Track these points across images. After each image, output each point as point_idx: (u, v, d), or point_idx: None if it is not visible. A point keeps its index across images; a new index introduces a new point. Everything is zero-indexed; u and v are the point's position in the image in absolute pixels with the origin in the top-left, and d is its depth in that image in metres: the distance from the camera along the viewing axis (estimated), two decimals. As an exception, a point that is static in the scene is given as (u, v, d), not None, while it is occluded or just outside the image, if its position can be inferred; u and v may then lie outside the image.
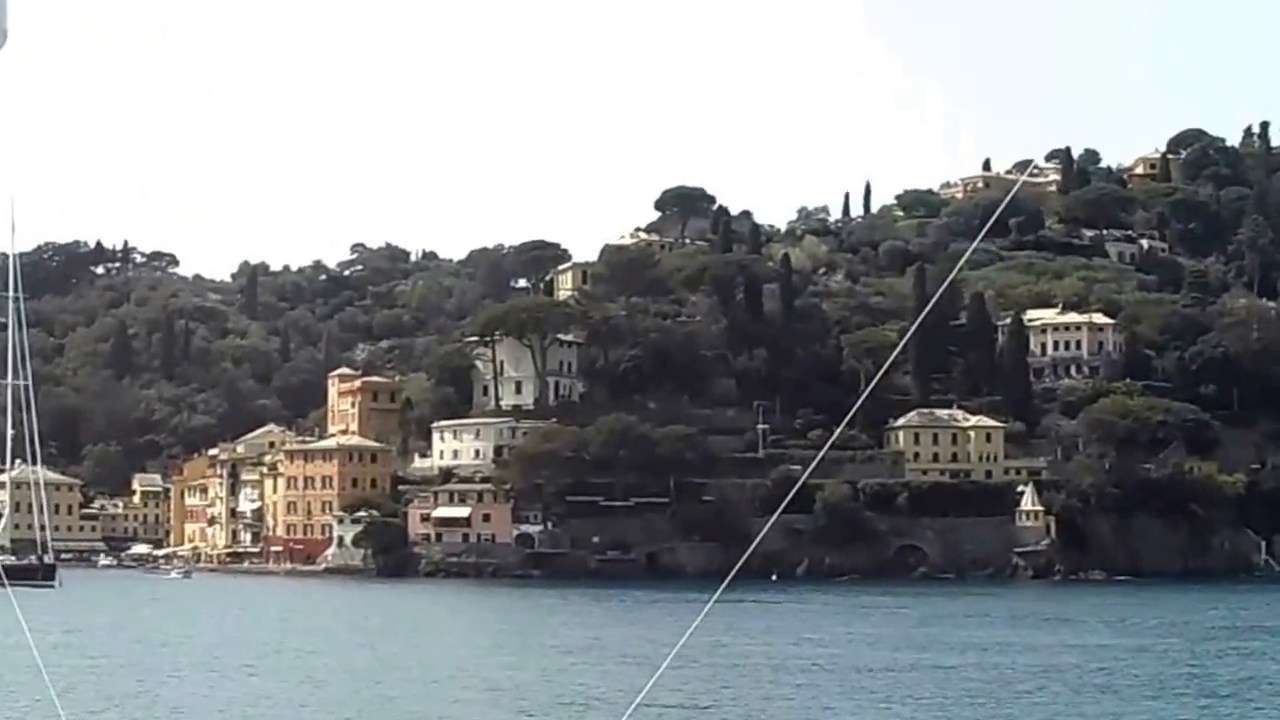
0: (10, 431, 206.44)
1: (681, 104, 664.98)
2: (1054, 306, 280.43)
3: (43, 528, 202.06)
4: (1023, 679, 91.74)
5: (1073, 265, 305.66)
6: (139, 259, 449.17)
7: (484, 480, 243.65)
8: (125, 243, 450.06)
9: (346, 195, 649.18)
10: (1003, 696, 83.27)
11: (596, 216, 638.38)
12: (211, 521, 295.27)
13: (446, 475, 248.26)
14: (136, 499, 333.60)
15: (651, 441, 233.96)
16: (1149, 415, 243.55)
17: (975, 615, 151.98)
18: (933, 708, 78.73)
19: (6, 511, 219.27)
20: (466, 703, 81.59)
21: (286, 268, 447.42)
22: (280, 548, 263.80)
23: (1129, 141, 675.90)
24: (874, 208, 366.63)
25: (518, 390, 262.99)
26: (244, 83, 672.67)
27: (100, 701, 77.76)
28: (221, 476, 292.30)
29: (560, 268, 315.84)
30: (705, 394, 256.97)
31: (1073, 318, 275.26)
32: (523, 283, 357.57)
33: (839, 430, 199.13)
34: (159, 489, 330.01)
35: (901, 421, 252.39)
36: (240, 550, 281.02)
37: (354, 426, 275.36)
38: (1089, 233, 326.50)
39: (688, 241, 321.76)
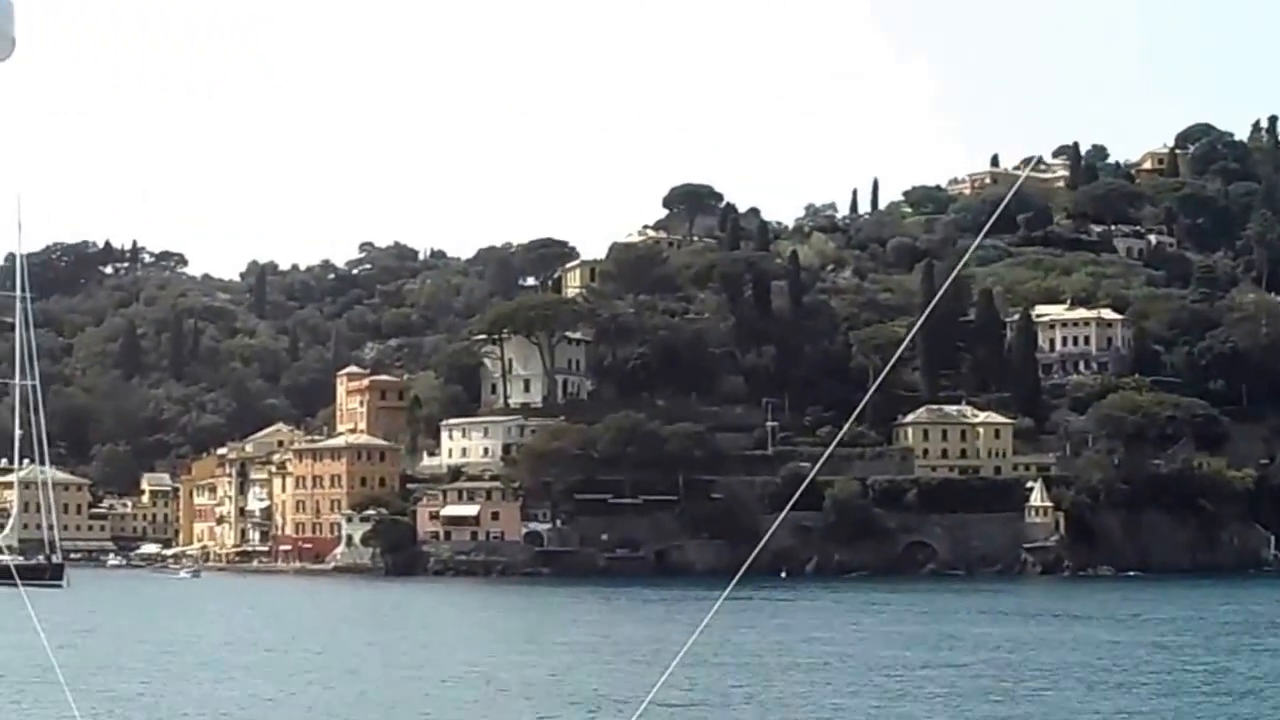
0: (18, 431, 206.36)
1: (689, 102, 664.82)
2: (1062, 302, 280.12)
3: (51, 527, 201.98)
4: (1036, 676, 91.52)
5: (1081, 261, 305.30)
6: (147, 259, 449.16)
7: (492, 478, 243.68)
8: (134, 243, 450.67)
9: (355, 194, 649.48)
10: (1017, 693, 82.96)
11: (604, 214, 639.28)
12: (220, 521, 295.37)
13: (455, 473, 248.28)
14: (145, 498, 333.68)
15: (660, 439, 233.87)
16: (1158, 411, 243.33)
17: (987, 612, 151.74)
18: (946, 705, 78.45)
19: (15, 511, 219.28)
20: (477, 701, 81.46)
21: (295, 267, 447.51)
22: (289, 547, 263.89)
23: (1137, 137, 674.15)
24: (882, 204, 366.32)
25: (526, 388, 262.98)
26: (252, 83, 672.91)
27: (106, 702, 77.61)
28: (230, 476, 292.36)
29: (568, 266, 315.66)
30: (714, 391, 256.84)
31: (1081, 313, 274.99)
32: (531, 281, 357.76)
33: (847, 426, 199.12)
34: (168, 488, 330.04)
35: (910, 418, 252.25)
36: (249, 549, 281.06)
37: (362, 425, 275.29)
38: (1097, 228, 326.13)
39: (696, 239, 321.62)
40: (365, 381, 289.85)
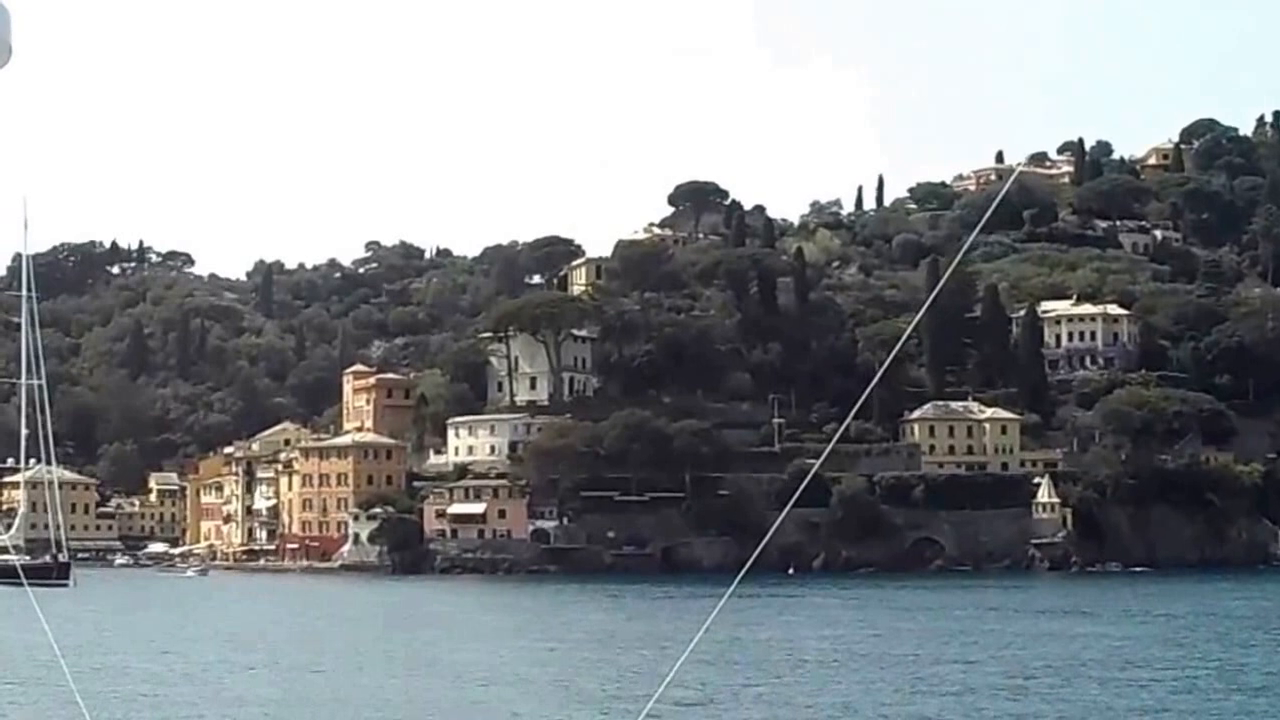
0: (24, 431, 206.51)
1: (694, 99, 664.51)
2: (1068, 298, 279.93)
3: (58, 526, 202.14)
4: (1051, 672, 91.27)
5: (1086, 256, 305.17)
6: (154, 259, 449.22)
7: (499, 476, 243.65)
8: (141, 243, 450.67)
9: (361, 194, 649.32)
10: (1030, 690, 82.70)
11: (610, 212, 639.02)
12: (227, 519, 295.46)
13: (461, 471, 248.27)
14: (153, 497, 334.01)
15: (666, 436, 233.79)
16: (1165, 406, 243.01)
17: (997, 608, 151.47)
18: (960, 701, 78.31)
19: (21, 511, 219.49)
20: (485, 700, 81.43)
21: (301, 266, 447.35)
22: (296, 545, 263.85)
23: (1141, 132, 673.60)
24: (887, 201, 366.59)
25: (532, 386, 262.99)
26: (258, 82, 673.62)
27: (109, 701, 77.64)
28: (237, 474, 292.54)
29: (574, 263, 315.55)
30: (720, 388, 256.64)
31: (1087, 309, 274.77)
32: (537, 279, 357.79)
33: (849, 419, 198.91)
34: (175, 487, 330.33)
35: (917, 414, 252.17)
36: (256, 548, 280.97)
37: (369, 423, 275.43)
38: (1102, 224, 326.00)
39: (701, 236, 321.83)
40: (372, 380, 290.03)
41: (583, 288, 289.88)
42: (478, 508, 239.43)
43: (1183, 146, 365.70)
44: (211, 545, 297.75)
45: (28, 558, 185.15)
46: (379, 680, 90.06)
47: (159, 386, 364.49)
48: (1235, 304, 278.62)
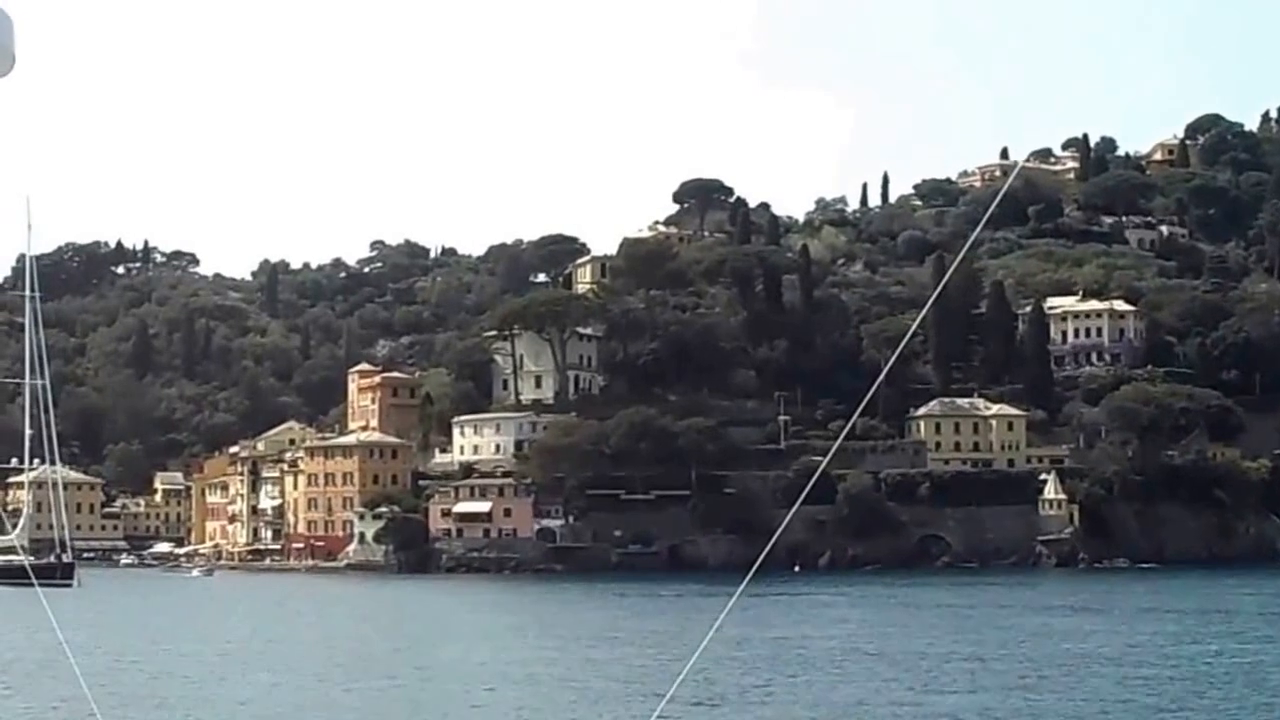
0: (29, 431, 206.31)
1: (698, 96, 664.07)
2: (1074, 294, 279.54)
3: (62, 527, 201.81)
4: (1064, 668, 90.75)
5: (1092, 252, 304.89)
6: (159, 259, 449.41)
7: (504, 475, 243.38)
8: (146, 243, 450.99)
9: (365, 193, 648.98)
10: (1043, 688, 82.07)
11: (615, 210, 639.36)
12: (233, 519, 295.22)
13: (467, 470, 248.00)
14: (158, 497, 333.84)
15: (672, 434, 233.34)
16: (1171, 402, 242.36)
17: (1007, 605, 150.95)
18: (976, 698, 77.75)
19: (26, 511, 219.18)
20: (493, 700, 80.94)
21: (306, 265, 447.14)
22: (301, 545, 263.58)
23: (1146, 128, 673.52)
24: (892, 197, 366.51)
25: (537, 384, 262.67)
26: (263, 82, 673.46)
27: (113, 704, 77.24)
28: (242, 474, 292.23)
29: (579, 262, 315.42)
30: (725, 386, 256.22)
31: (1093, 305, 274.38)
32: (542, 277, 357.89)
33: (855, 416, 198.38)
34: (180, 487, 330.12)
35: (923, 411, 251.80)
36: (261, 548, 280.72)
37: (374, 423, 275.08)
38: (1108, 220, 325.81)
39: (706, 234, 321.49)
40: (377, 379, 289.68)
41: (588, 286, 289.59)
42: (483, 507, 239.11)
43: (1188, 142, 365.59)
44: (217, 545, 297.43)
45: (32, 558, 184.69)
46: (385, 680, 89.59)
47: (164, 386, 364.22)
48: (1241, 299, 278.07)
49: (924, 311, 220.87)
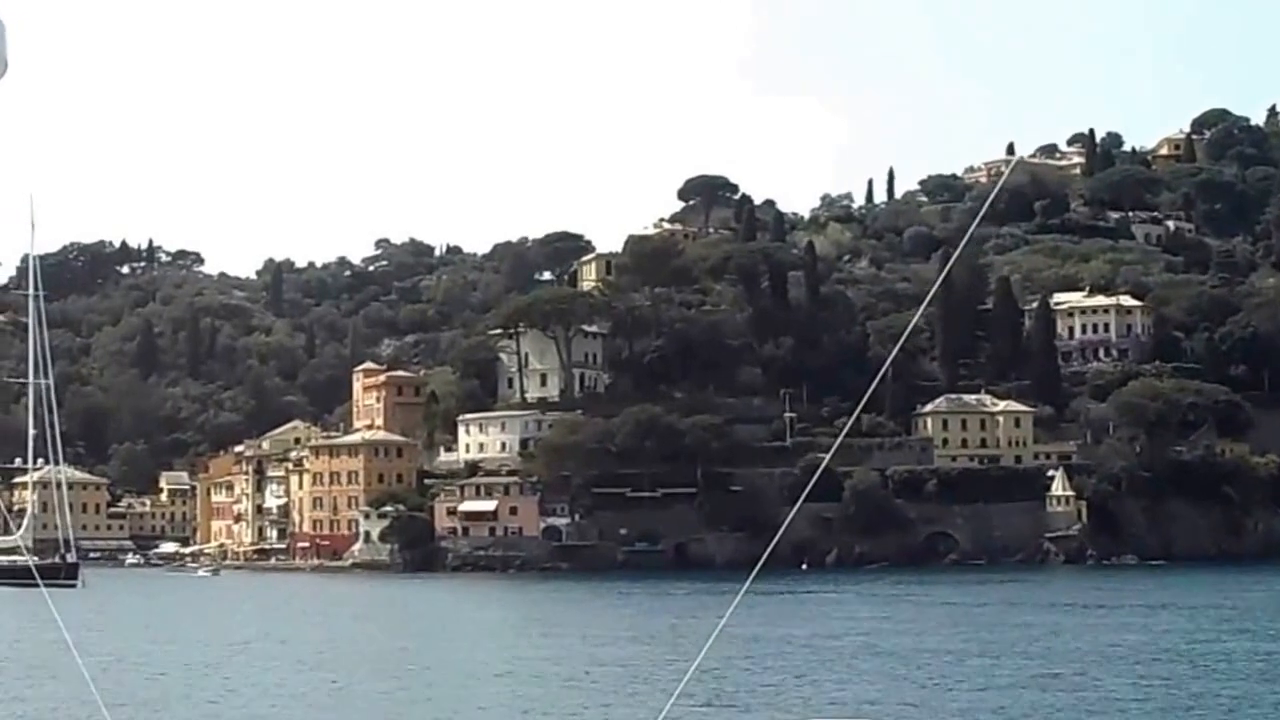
0: (33, 431, 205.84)
1: (702, 95, 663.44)
2: (1081, 289, 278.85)
3: (67, 526, 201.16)
4: (1079, 665, 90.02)
5: (1099, 248, 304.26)
6: (164, 258, 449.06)
7: (510, 473, 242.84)
8: (150, 242, 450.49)
9: (370, 191, 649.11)
10: (1057, 686, 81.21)
11: (620, 207, 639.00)
12: (238, 519, 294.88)
13: (472, 469, 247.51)
14: (164, 497, 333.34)
15: (678, 432, 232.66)
16: (1179, 397, 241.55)
17: (1016, 603, 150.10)
18: (991, 695, 77.06)
19: (30, 511, 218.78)
20: (502, 699, 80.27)
21: (311, 264, 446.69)
22: (307, 544, 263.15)
23: (1151, 124, 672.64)
24: (898, 193, 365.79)
25: (543, 382, 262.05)
26: (267, 80, 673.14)
27: (109, 704, 76.47)
28: (247, 473, 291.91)
29: (584, 259, 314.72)
30: (731, 383, 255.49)
31: (1100, 300, 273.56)
32: (547, 275, 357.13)
33: (857, 411, 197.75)
34: (186, 487, 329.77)
35: (930, 407, 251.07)
36: (267, 547, 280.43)
37: (379, 421, 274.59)
38: (1114, 215, 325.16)
39: (711, 230, 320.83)
40: (382, 378, 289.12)
41: (593, 283, 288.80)
42: (489, 505, 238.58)
43: (1194, 137, 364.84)
44: (222, 545, 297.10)
45: (36, 558, 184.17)
46: (392, 679, 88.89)
47: (169, 386, 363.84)
48: (1249, 294, 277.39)
49: (925, 302, 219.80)
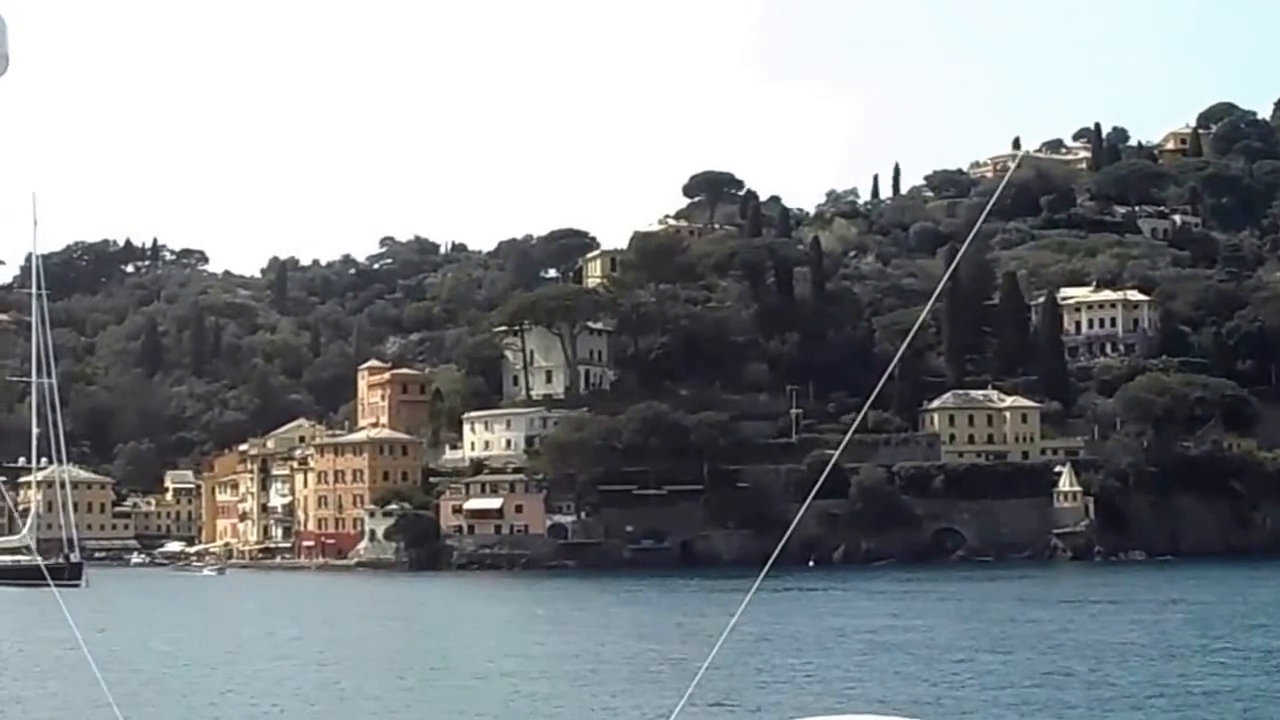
0: (36, 430, 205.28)
1: (708, 90, 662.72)
2: (1088, 284, 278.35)
3: (71, 526, 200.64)
4: (1091, 662, 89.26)
5: (1105, 242, 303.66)
6: (168, 256, 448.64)
7: (515, 471, 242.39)
8: (154, 240, 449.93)
9: (374, 189, 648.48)
10: (1075, 684, 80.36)
11: (625, 204, 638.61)
12: (243, 517, 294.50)
13: (478, 466, 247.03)
14: (169, 496, 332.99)
15: (684, 429, 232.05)
16: (1186, 392, 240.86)
17: (1025, 599, 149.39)
18: (1007, 691, 76.40)
19: (34, 511, 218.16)
20: (510, 698, 79.57)
21: (316, 262, 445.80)
22: (312, 542, 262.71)
23: (1158, 117, 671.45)
24: (903, 189, 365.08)
25: (548, 380, 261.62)
26: (271, 78, 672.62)
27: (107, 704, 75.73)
28: (252, 472, 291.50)
29: (589, 256, 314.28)
30: (737, 380, 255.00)
31: (1107, 295, 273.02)
32: (552, 272, 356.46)
33: (865, 408, 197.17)
34: (191, 486, 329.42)
35: (936, 403, 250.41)
36: (272, 546, 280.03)
37: (384, 419, 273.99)
38: (1121, 209, 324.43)
39: (717, 227, 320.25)
40: (387, 375, 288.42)
41: (598, 280, 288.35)
42: (494, 503, 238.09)
43: (1200, 131, 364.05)
44: (227, 544, 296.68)
45: (40, 558, 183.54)
46: (398, 678, 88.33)
47: (174, 385, 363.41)
48: (1256, 288, 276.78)
49: (933, 298, 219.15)
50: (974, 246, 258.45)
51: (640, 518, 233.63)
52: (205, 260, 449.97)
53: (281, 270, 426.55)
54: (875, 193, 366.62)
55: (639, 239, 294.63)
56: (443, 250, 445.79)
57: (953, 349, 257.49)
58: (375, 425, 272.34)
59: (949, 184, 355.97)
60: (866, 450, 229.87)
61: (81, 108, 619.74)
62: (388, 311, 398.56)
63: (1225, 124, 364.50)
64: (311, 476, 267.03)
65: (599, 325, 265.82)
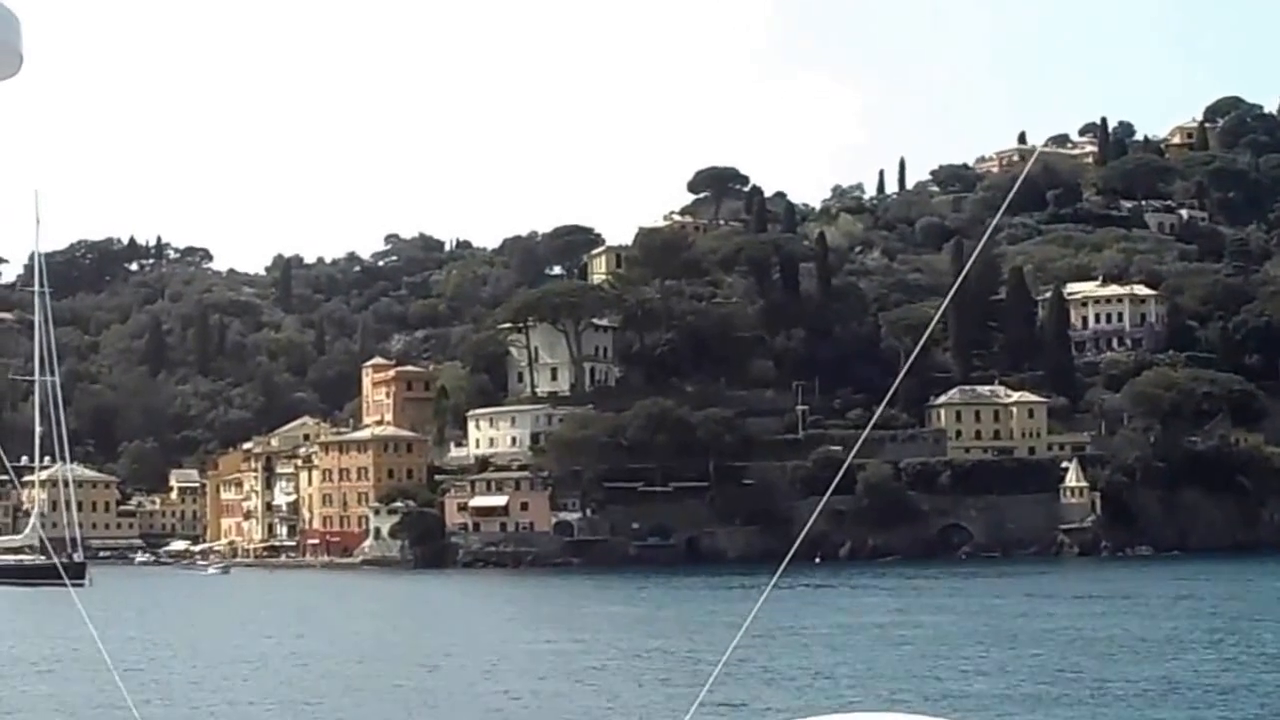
0: (39, 429, 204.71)
1: (712, 85, 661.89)
2: (1094, 279, 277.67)
3: (75, 525, 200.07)
4: (1102, 657, 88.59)
5: (1112, 237, 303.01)
6: (172, 254, 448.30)
7: (521, 468, 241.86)
8: (159, 238, 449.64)
9: (379, 186, 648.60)
10: (1086, 682, 79.55)
11: (629, 200, 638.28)
12: (248, 516, 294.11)
13: (483, 464, 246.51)
14: (174, 495, 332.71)
15: (689, 425, 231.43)
16: (1193, 387, 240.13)
17: (1033, 594, 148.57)
18: (1023, 688, 75.67)
19: (37, 510, 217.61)
20: (520, 696, 78.87)
21: (320, 260, 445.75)
22: (317, 540, 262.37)
23: (1164, 112, 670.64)
24: (909, 184, 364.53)
25: (553, 376, 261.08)
26: (275, 76, 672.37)
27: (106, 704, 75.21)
28: (257, 470, 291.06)
29: (594, 252, 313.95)
30: (743, 376, 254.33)
31: (1114, 290, 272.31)
32: (557, 269, 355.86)
33: (880, 410, 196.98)
34: (195, 484, 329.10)
35: (943, 399, 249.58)
36: (277, 544, 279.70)
37: (389, 417, 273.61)
38: (1127, 204, 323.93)
39: (722, 222, 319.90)
40: (391, 373, 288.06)
41: (603, 277, 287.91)
42: (499, 500, 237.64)
43: (1207, 125, 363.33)
44: (232, 542, 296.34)
45: (42, 557, 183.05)
46: (404, 676, 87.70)
47: (178, 383, 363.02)
48: (1263, 283, 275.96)
49: (946, 302, 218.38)
50: (980, 242, 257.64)
51: (646, 514, 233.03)
52: (209, 258, 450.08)
53: (286, 268, 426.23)
54: (881, 188, 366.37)
55: (644, 235, 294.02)
56: (447, 247, 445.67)
57: (959, 344, 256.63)
58: (380, 423, 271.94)
59: (955, 179, 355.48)
60: (873, 446, 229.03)
61: (85, 106, 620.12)
62: (392, 309, 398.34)
63: (1232, 118, 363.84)
64: (316, 474, 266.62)
65: (604, 322, 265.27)
